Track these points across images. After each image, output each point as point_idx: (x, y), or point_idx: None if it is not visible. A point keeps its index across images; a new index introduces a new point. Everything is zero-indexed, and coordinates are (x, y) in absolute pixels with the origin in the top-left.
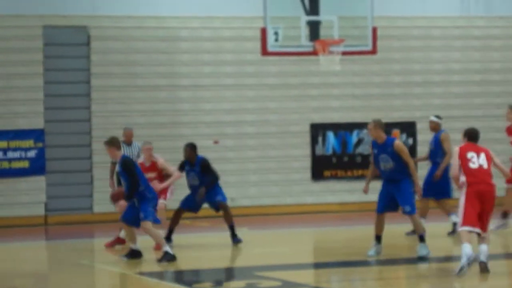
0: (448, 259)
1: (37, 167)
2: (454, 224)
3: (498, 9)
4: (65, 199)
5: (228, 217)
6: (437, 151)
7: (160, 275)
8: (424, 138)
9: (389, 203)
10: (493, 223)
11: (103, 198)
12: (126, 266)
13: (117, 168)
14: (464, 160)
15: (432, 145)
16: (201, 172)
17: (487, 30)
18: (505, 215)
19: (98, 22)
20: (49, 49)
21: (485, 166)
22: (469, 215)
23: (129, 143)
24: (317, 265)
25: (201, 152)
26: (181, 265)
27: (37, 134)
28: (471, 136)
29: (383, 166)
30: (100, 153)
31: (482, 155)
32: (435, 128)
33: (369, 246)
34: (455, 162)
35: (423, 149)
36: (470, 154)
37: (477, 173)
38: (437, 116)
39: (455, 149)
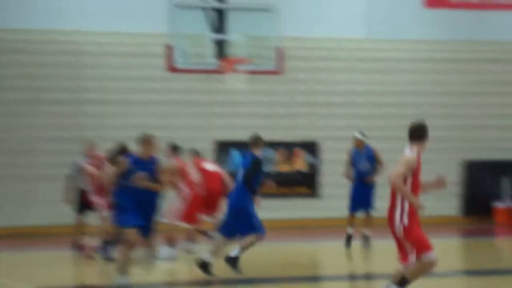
0: None
1: None
2: None
3: (402, 32)
4: None
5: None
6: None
7: None
8: (327, 158)
9: None
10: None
11: (3, 212)
12: (27, 281)
13: None
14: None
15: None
16: None
17: (391, 53)
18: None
19: (2, 34)
20: None
21: None
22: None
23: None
24: (219, 282)
25: None
26: (84, 280)
27: None
28: None
29: None
30: (1, 167)
31: None
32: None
33: (261, 263)
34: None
35: (326, 168)
36: None
37: None
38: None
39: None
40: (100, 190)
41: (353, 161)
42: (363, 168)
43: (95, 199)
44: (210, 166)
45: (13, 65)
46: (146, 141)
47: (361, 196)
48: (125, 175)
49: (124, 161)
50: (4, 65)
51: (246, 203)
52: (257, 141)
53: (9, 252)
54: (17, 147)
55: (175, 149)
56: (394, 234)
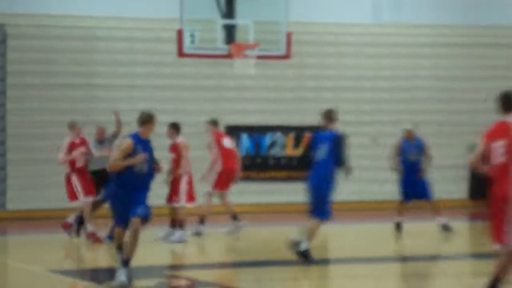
0: None
1: None
2: None
3: (409, 17)
4: None
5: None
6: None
7: (71, 273)
8: None
9: None
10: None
11: (17, 195)
12: (39, 264)
13: None
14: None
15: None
16: None
17: (399, 37)
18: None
19: (15, 20)
20: None
21: None
22: None
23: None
24: (229, 265)
25: None
26: (94, 263)
27: None
28: None
29: None
30: (15, 151)
31: None
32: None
33: (275, 246)
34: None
35: None
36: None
37: None
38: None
39: None
40: (80, 172)
41: (402, 151)
42: (413, 158)
43: (75, 181)
44: (228, 143)
45: (25, 50)
46: (148, 120)
47: (414, 186)
48: (128, 156)
49: (129, 142)
50: (16, 50)
51: (326, 184)
52: (331, 115)
53: (21, 235)
54: (29, 131)
55: (176, 127)
56: (500, 210)
